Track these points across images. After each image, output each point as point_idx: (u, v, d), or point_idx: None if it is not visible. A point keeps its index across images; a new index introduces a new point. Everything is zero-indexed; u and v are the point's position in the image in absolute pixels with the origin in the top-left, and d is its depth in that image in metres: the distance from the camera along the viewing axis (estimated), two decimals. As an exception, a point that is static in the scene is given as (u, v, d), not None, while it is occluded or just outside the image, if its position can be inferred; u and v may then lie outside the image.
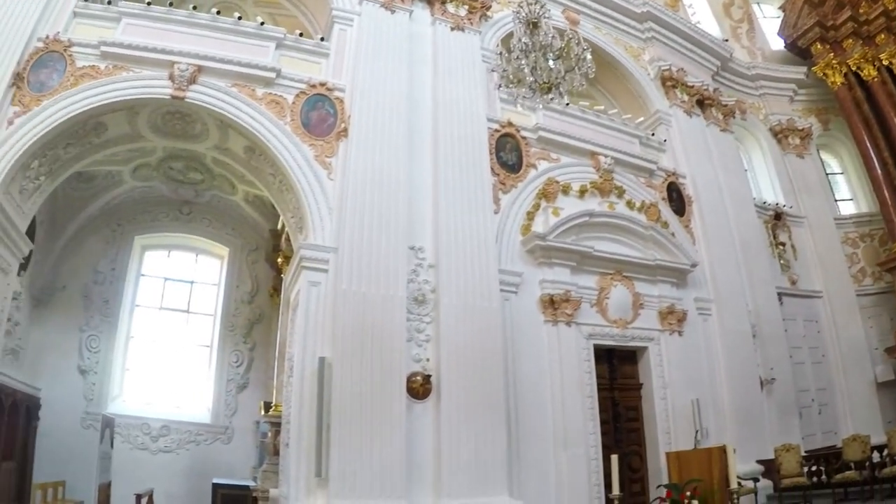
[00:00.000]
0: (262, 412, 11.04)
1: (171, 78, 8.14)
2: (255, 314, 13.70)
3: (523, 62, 5.93)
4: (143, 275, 14.10)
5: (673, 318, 9.92)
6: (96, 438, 11.71)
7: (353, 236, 7.77)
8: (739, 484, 7.67)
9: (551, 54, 5.92)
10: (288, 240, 10.04)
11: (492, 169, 9.03)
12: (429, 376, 7.70)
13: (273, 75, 8.42)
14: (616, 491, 7.43)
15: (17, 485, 10.98)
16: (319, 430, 7.00)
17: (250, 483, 10.62)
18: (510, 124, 9.56)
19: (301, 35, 9.12)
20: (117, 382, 13.11)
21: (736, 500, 7.29)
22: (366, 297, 7.56)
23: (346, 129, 8.36)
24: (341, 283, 7.55)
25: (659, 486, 8.37)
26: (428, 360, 7.79)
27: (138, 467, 11.76)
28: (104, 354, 12.98)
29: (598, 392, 9.11)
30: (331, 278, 7.65)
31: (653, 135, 11.52)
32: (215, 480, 11.16)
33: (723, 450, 7.54)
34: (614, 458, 7.67)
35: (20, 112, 7.86)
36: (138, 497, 9.79)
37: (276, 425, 9.14)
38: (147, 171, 12.09)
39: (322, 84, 8.58)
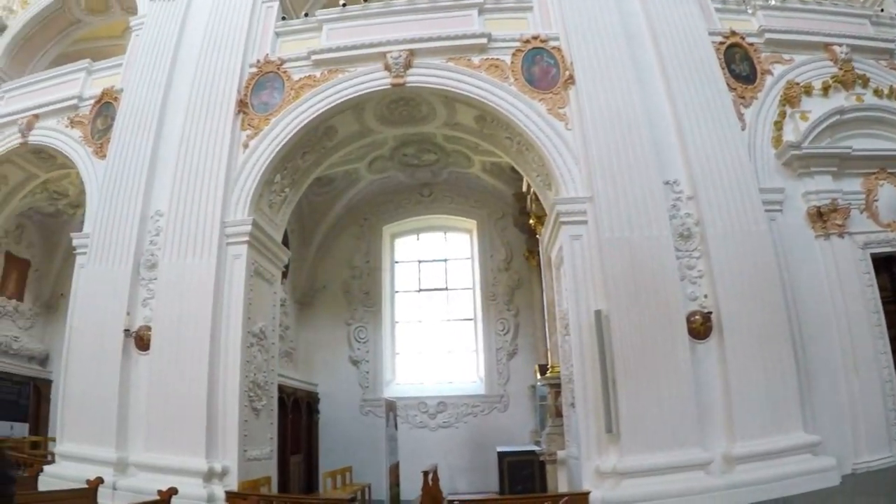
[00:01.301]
0: (538, 375, 11.01)
1: (387, 68, 8.23)
2: (514, 280, 13.63)
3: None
4: (396, 262, 14.66)
5: (950, 209, 8.74)
6: (375, 424, 12.33)
7: (606, 182, 7.39)
8: None
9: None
10: (535, 200, 9.80)
11: (727, 84, 8.18)
12: (708, 314, 7.13)
13: (484, 41, 8.22)
14: (924, 412, 6.67)
15: (305, 475, 11.95)
16: (605, 384, 6.76)
17: (534, 448, 10.52)
18: (733, 33, 8.58)
19: (499, -5, 8.81)
20: (389, 367, 13.75)
21: None
22: (630, 242, 7.17)
23: (571, 77, 7.95)
24: (603, 232, 7.20)
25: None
26: (706, 296, 7.21)
27: (420, 445, 12.22)
28: (373, 343, 13.67)
29: (883, 306, 7.99)
30: (591, 229, 7.32)
31: (881, 10, 9.95)
32: (499, 449, 11.13)
33: None
34: (921, 374, 6.89)
35: (252, 134, 8.36)
36: (425, 473, 10.20)
37: (555, 387, 9.01)
38: (382, 162, 12.41)
39: (535, 37, 8.24)
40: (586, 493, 6.51)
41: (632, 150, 7.54)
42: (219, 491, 7.03)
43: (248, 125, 8.46)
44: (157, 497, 6.16)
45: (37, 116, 10.36)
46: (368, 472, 11.79)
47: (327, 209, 13.66)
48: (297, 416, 11.90)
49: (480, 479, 12.19)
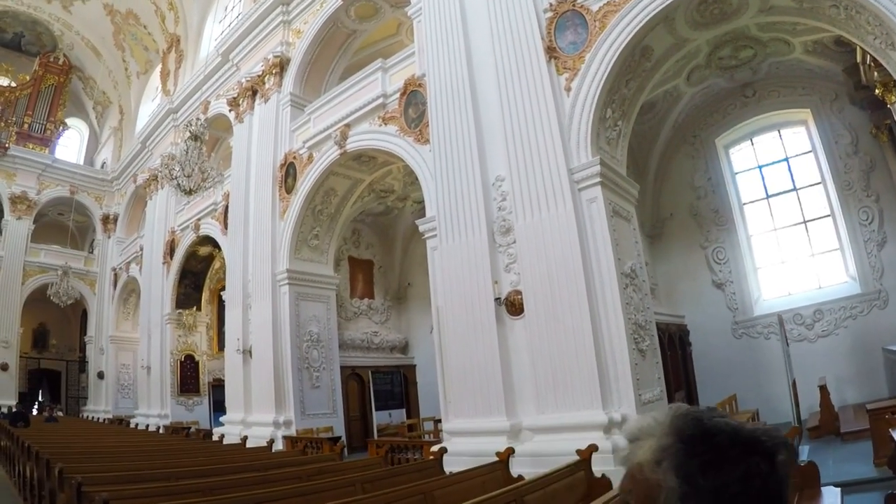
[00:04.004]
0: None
1: (688, -34, 7.40)
2: (866, 163, 12.13)
3: None
4: (736, 173, 13.97)
5: None
6: (751, 346, 12.16)
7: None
8: None
9: None
10: (875, 67, 8.57)
11: None
12: None
13: None
14: None
15: (693, 411, 12.10)
16: None
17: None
18: None
19: None
20: (753, 284, 13.16)
21: None
22: None
23: None
24: (972, 75, 5.59)
25: None
26: None
27: (802, 359, 11.41)
28: (732, 262, 13.26)
29: None
30: (958, 77, 5.74)
31: None
32: (891, 347, 9.77)
33: None
34: None
35: (570, 77, 8.26)
36: (821, 388, 9.53)
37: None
38: (699, 72, 12.09)
39: None
40: None
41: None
42: (622, 441, 7.01)
43: (564, 68, 8.41)
44: (578, 457, 5.95)
45: (348, 126, 11.65)
46: (751, 397, 11.46)
47: (654, 135, 13.52)
48: (673, 351, 11.84)
49: (868, 386, 10.99)
